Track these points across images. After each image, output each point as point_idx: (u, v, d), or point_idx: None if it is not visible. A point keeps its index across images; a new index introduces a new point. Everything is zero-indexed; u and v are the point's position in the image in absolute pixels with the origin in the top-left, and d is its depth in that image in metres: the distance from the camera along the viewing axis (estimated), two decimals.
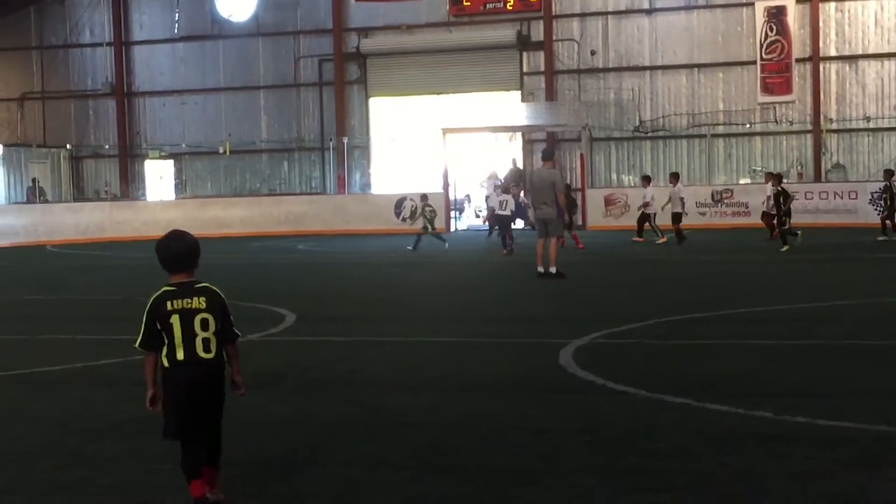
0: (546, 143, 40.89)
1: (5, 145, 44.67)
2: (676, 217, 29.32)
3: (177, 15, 44.76)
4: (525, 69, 41.99)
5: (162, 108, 45.68)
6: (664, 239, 29.09)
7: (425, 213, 29.43)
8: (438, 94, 42.29)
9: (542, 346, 12.72)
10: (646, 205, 30.37)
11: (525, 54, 41.90)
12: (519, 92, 42.00)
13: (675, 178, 30.79)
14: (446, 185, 39.05)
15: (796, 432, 8.29)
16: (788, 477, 7.14)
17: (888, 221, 28.52)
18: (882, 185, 29.73)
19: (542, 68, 41.56)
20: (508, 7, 41.17)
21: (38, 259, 31.66)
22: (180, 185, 45.74)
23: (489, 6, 41.32)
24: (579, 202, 38.86)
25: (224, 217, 40.77)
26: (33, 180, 45.01)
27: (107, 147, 46.40)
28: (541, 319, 15.52)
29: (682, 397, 9.50)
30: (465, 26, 41.99)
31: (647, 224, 30.37)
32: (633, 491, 6.94)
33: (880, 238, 28.04)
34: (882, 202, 29.48)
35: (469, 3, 41.33)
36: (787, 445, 7.93)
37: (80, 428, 9.13)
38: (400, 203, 38.73)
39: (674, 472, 7.32)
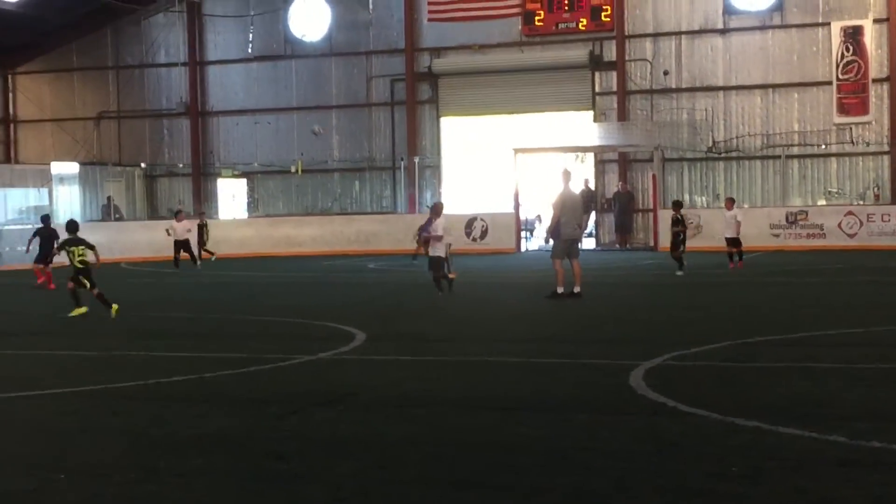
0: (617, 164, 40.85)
1: (82, 164, 45.28)
2: (731, 241, 28.54)
3: (250, 35, 45.16)
4: (597, 89, 41.85)
5: (235, 128, 46.08)
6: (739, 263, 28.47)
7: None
8: (510, 113, 42.22)
9: (612, 367, 12.62)
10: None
11: (597, 74, 41.77)
12: (591, 112, 41.83)
13: (730, 202, 30.21)
14: (517, 205, 39.02)
15: (872, 457, 8.12)
16: (867, 501, 7.00)
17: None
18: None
19: (615, 88, 41.40)
20: (581, 27, 41.06)
21: (112, 276, 32.02)
22: (253, 204, 46.07)
23: (561, 26, 41.25)
24: (651, 223, 38.69)
25: (295, 235, 41.08)
26: (108, 198, 45.68)
27: (181, 166, 46.93)
28: (610, 340, 15.43)
29: (754, 420, 9.36)
30: (537, 46, 41.95)
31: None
32: None
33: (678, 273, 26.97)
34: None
35: (541, 24, 41.28)
36: (863, 471, 7.77)
37: (152, 444, 9.18)
38: (470, 223, 38.73)
39: (746, 497, 7.21)
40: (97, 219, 44.41)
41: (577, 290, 20.88)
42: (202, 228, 36.98)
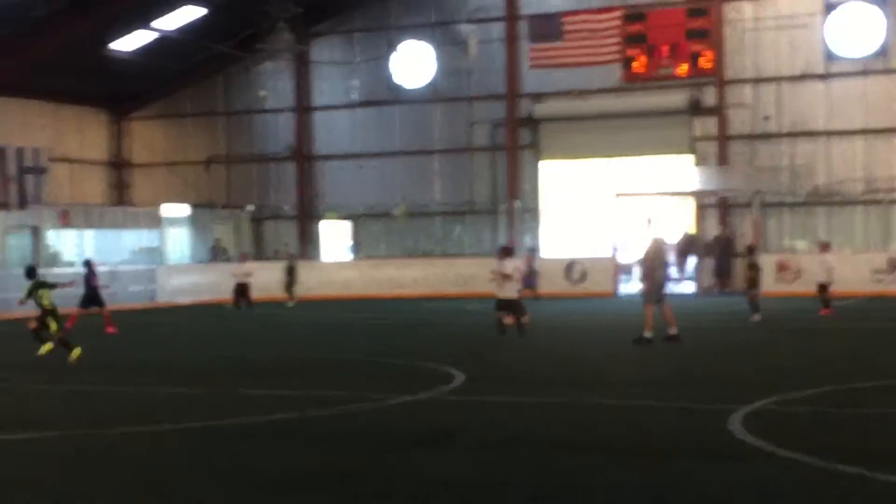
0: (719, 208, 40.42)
1: (192, 206, 46.03)
2: (821, 287, 27.86)
3: (355, 82, 45.62)
4: (697, 134, 41.52)
5: (339, 171, 46.46)
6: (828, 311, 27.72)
7: None
8: (610, 157, 42.03)
9: (711, 411, 12.46)
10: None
11: (696, 119, 41.47)
12: (689, 156, 41.49)
13: (825, 246, 29.53)
14: (614, 249, 38.82)
15: None
16: None
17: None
18: None
19: (715, 133, 41.05)
20: (680, 73, 40.82)
21: (216, 316, 32.51)
22: (355, 247, 46.37)
23: (661, 72, 41.06)
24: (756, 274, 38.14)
25: (398, 277, 41.30)
26: (216, 240, 46.34)
27: (286, 208, 47.45)
28: (708, 384, 15.23)
29: (855, 467, 9.16)
30: (636, 92, 41.80)
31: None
32: None
33: None
34: None
35: (641, 69, 41.14)
36: None
37: (254, 483, 9.23)
38: (570, 266, 38.62)
39: None
40: (205, 260, 45.06)
41: (674, 332, 20.71)
42: (292, 270, 37.35)
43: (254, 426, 12.21)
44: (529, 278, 34.38)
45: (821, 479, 8.92)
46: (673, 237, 41.15)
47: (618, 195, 39.47)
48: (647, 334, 20.56)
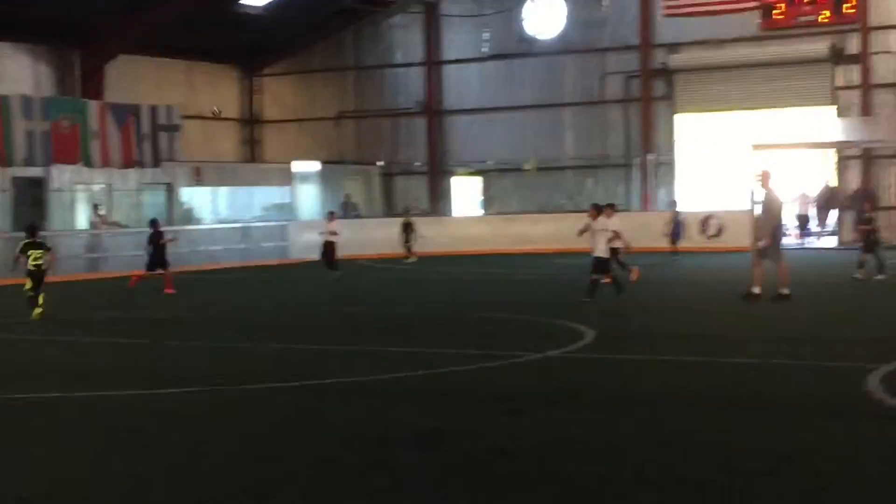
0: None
1: (323, 162, 46.51)
2: None
3: (486, 35, 45.53)
4: (838, 83, 40.54)
5: (470, 126, 46.49)
6: None
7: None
8: (747, 109, 41.26)
9: (847, 369, 12.27)
10: None
11: (838, 68, 40.48)
12: (830, 107, 40.56)
13: None
14: (752, 203, 38.17)
15: None
16: None
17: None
18: None
19: (858, 82, 40.06)
20: (821, 20, 39.83)
21: (348, 273, 32.88)
22: (487, 202, 46.42)
23: (801, 19, 40.13)
24: (893, 221, 37.30)
25: (529, 233, 41.17)
26: (346, 196, 46.75)
27: (416, 164, 47.68)
28: (846, 341, 14.95)
29: None
30: (775, 40, 40.91)
31: None
32: None
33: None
34: None
35: (780, 17, 40.25)
36: None
37: (380, 437, 9.39)
38: (705, 220, 38.12)
39: None
40: (334, 216, 45.45)
41: (786, 291, 20.22)
42: (409, 227, 37.39)
43: (382, 383, 12.37)
44: (676, 232, 34.18)
45: None
46: (812, 190, 40.47)
47: (755, 147, 38.75)
48: (755, 290, 20.18)
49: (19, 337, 17.94)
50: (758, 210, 21.26)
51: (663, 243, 35.47)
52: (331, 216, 32.00)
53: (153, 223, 27.25)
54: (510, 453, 8.66)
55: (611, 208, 24.42)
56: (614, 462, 8.33)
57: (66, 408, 11.36)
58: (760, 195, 21.15)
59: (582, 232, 21.98)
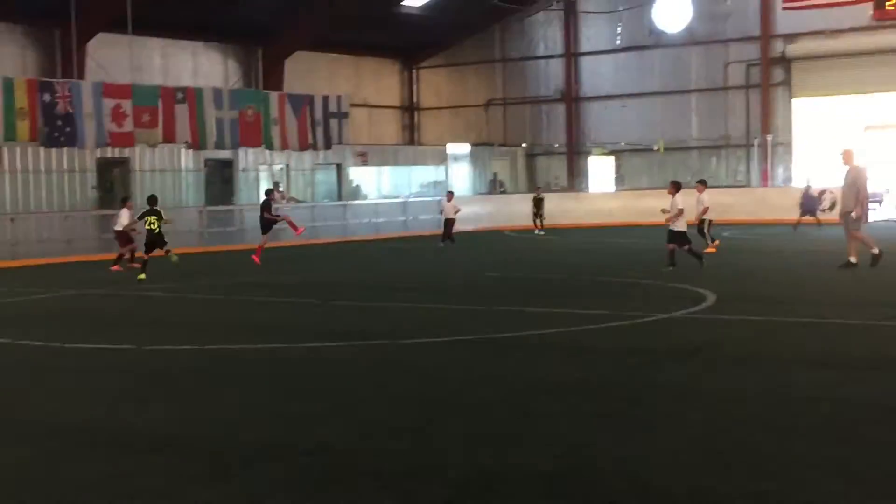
0: None
1: (473, 144, 46.72)
2: None
3: (619, 28, 45.14)
4: None
5: (604, 111, 46.21)
6: None
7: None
8: (860, 93, 40.13)
9: None
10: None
11: None
12: None
13: None
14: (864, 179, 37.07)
15: None
16: None
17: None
18: None
19: None
20: None
21: (497, 241, 32.99)
22: (619, 179, 46.10)
23: None
24: None
25: (657, 207, 40.50)
26: (494, 174, 46.93)
27: (556, 146, 47.57)
28: None
29: None
30: (886, 30, 39.59)
31: None
32: None
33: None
34: None
35: (892, 7, 38.92)
36: None
37: (525, 387, 9.43)
38: (820, 195, 37.13)
39: None
40: (485, 192, 45.70)
41: (854, 259, 19.61)
42: (539, 202, 36.80)
43: (527, 339, 12.41)
44: (808, 205, 33.76)
45: None
46: None
47: (867, 128, 37.79)
48: (875, 250, 19.60)
49: (205, 296, 18.49)
50: (842, 184, 20.43)
51: (781, 215, 34.86)
52: (450, 196, 30.78)
53: (268, 192, 27.16)
54: (638, 401, 8.64)
55: (702, 184, 24.20)
56: (731, 412, 8.22)
57: (248, 357, 11.70)
58: (844, 172, 20.40)
59: (665, 210, 21.55)
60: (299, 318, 15.38)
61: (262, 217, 25.70)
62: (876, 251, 19.64)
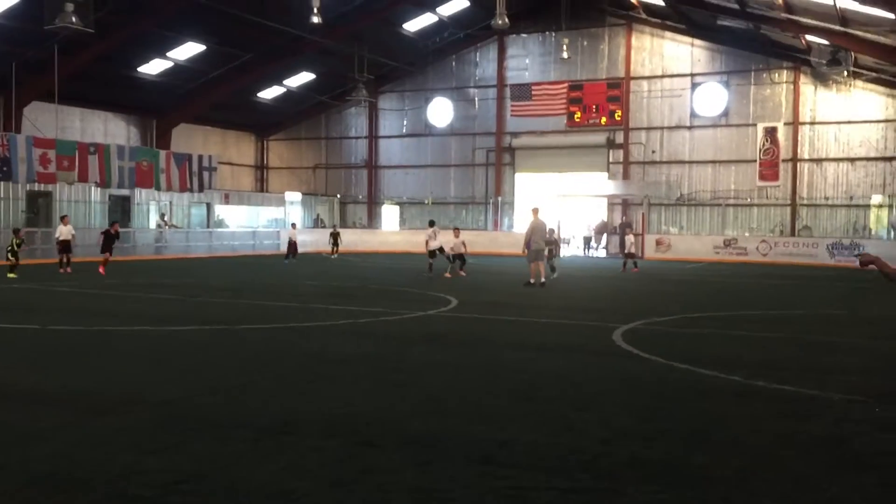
0: (623, 207, 40.00)
1: (304, 193, 45.94)
2: (629, 254, 27.36)
3: (405, 121, 45.37)
4: (611, 159, 41.08)
5: (393, 175, 46.21)
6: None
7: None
8: (558, 172, 41.65)
9: (601, 328, 12.33)
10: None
11: (611, 151, 41.03)
12: (605, 173, 41.11)
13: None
14: (558, 227, 38.49)
15: (757, 391, 7.80)
16: (749, 420, 6.71)
17: None
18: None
19: (622, 160, 40.65)
20: (602, 122, 40.37)
21: (320, 261, 32.43)
22: (402, 221, 46.23)
23: (591, 121, 40.58)
24: (641, 244, 37.85)
25: (419, 241, 40.91)
26: (317, 214, 46.21)
27: (360, 197, 47.27)
28: (603, 311, 14.94)
29: (685, 364, 9.06)
30: (574, 133, 41.30)
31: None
32: (647, 421, 6.58)
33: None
34: None
35: (578, 119, 40.66)
36: (750, 398, 7.46)
37: (320, 360, 9.17)
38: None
39: (674, 415, 6.94)
40: (311, 226, 44.98)
41: (543, 281, 19.83)
42: (336, 235, 35.14)
43: (325, 327, 12.14)
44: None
45: (663, 371, 8.82)
46: (593, 221, 40.91)
47: (559, 196, 39.18)
48: (532, 280, 19.80)
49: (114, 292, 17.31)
50: (525, 229, 20.65)
51: (506, 249, 35.58)
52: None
53: (112, 224, 23.89)
54: (400, 370, 8.53)
55: (457, 230, 24.46)
56: (462, 379, 8.20)
57: (122, 335, 10.97)
58: (529, 220, 20.68)
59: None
60: (166, 309, 14.58)
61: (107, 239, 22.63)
62: (532, 280, 19.81)
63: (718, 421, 6.61)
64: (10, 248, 20.96)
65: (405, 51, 42.21)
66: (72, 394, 7.24)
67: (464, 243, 24.36)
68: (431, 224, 25.34)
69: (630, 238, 28.32)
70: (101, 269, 22.09)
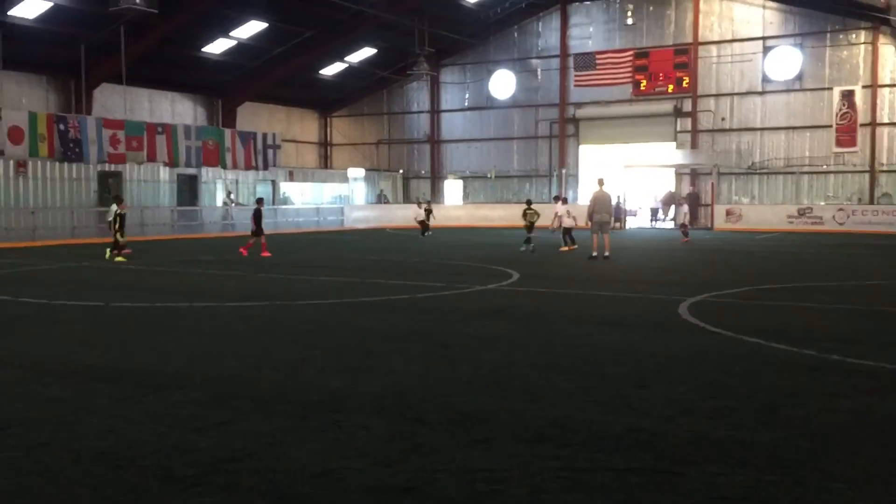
0: (691, 176, 39.11)
1: (367, 169, 46.10)
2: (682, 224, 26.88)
3: (467, 95, 45.01)
4: (678, 128, 40.07)
5: (456, 149, 46.04)
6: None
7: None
8: (624, 143, 40.85)
9: (666, 301, 11.95)
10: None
11: (678, 119, 39.99)
12: (672, 143, 40.12)
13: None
14: (655, 199, 37.78)
15: (832, 365, 7.38)
16: (824, 395, 6.32)
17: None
18: None
19: (690, 128, 39.58)
20: (669, 90, 39.30)
21: (380, 235, 32.51)
22: (465, 196, 46.04)
23: (657, 90, 39.55)
24: (710, 214, 36.98)
25: (490, 215, 40.90)
26: (381, 191, 46.34)
27: (423, 172, 47.23)
28: (669, 283, 14.49)
29: (755, 338, 8.66)
30: (640, 102, 40.39)
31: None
32: (713, 398, 6.27)
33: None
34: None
35: (644, 88, 39.69)
36: (825, 373, 7.06)
37: (373, 335, 9.07)
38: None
39: (742, 391, 6.61)
40: (374, 202, 45.18)
41: (607, 254, 19.40)
42: (429, 213, 34.47)
43: (383, 301, 12.05)
44: (616, 215, 32.90)
45: (731, 345, 8.44)
46: (660, 193, 40.04)
47: (626, 166, 38.44)
48: (594, 254, 19.46)
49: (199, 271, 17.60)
50: (591, 199, 19.94)
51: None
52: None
53: (259, 201, 23.16)
54: (449, 346, 8.36)
55: (564, 199, 24.33)
56: (516, 354, 7.99)
57: (183, 313, 11.06)
58: (593, 192, 20.19)
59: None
60: (227, 284, 14.71)
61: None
62: (595, 253, 19.40)
63: (789, 398, 6.24)
64: (113, 220, 19.00)
65: (466, 23, 41.75)
66: (130, 370, 7.27)
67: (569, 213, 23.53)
68: (529, 203, 23.34)
69: (684, 208, 27.79)
70: (264, 252, 20.66)
